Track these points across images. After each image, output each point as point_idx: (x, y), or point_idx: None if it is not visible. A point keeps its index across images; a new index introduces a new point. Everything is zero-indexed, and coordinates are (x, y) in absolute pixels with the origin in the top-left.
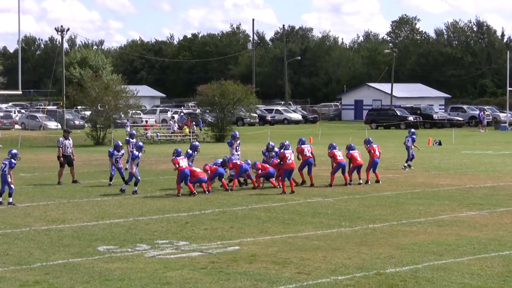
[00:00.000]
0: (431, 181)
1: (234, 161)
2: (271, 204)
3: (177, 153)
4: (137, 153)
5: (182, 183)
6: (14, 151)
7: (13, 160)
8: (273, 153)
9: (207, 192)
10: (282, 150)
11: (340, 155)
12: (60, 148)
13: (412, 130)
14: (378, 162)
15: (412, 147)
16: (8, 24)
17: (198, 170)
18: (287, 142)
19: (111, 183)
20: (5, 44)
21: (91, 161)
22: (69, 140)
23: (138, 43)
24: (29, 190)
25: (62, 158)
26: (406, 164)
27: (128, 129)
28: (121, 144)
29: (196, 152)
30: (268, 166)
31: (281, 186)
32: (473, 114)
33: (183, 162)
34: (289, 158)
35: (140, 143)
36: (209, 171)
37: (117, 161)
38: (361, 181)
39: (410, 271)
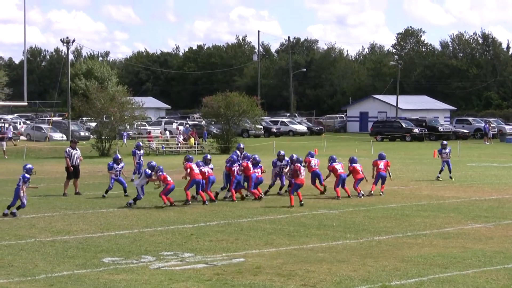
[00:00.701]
0: (436, 193)
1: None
2: (276, 216)
3: (188, 159)
4: (149, 171)
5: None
6: (29, 166)
7: (26, 175)
8: (284, 162)
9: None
10: (297, 164)
11: (340, 168)
12: (67, 159)
13: (444, 142)
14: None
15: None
16: (13, 35)
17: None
18: (295, 156)
19: (105, 195)
20: (11, 55)
21: (96, 173)
22: (77, 150)
23: (143, 54)
24: (34, 201)
25: (71, 168)
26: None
27: (125, 140)
28: (120, 157)
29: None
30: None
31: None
32: (479, 126)
33: (196, 168)
34: (300, 173)
35: (153, 163)
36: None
37: (117, 175)
38: (361, 194)
39: (416, 284)
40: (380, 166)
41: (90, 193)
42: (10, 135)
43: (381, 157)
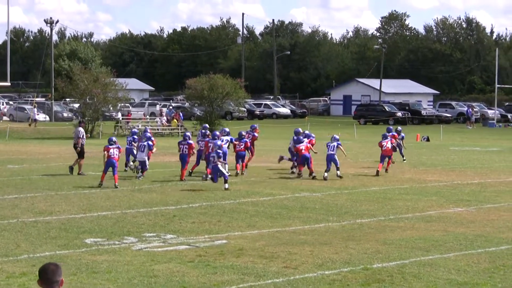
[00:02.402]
0: (418, 177)
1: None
2: (259, 198)
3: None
4: (151, 143)
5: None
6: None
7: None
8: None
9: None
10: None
11: (303, 148)
12: (81, 139)
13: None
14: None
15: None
16: None
17: None
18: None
19: (141, 175)
20: None
21: None
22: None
23: (127, 36)
24: (17, 181)
25: (78, 149)
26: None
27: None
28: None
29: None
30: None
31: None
32: (461, 110)
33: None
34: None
35: (148, 134)
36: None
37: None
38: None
39: (397, 267)
40: (384, 147)
41: (74, 174)
42: None
43: (384, 137)
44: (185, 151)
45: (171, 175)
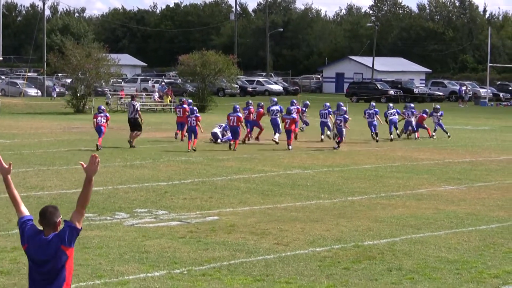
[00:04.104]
0: (410, 155)
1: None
2: (250, 175)
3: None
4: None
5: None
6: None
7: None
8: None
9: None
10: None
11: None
12: (139, 112)
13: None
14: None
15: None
16: None
17: None
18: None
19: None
20: None
21: (71, 129)
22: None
23: (120, 11)
24: (8, 156)
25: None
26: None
27: (110, 100)
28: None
29: None
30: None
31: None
32: (454, 89)
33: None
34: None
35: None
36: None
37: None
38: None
39: (388, 244)
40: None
41: (65, 149)
42: None
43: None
44: (193, 123)
45: (162, 151)
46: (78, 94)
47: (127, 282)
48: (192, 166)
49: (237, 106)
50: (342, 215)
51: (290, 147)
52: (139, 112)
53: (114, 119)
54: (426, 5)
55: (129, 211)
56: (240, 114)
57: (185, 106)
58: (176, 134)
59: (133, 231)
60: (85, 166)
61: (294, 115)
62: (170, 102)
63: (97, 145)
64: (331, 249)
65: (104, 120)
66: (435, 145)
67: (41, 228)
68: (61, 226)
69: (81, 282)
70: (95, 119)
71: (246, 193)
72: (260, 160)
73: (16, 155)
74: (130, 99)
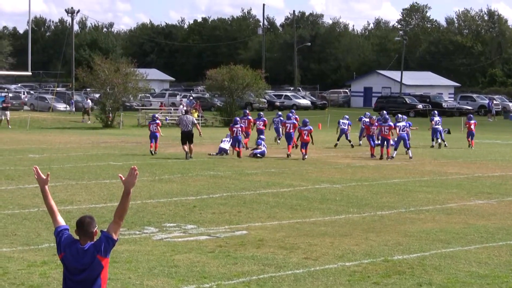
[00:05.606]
0: (439, 169)
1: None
2: (279, 189)
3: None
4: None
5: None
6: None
7: None
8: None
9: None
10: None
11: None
12: (179, 125)
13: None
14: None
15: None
16: (16, 4)
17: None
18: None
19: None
20: (15, 24)
21: (99, 144)
22: (189, 116)
23: (148, 26)
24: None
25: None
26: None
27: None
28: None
29: None
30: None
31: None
32: (483, 103)
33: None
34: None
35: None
36: None
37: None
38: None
39: (418, 259)
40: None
41: (94, 163)
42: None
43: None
44: (239, 134)
45: (191, 165)
46: (107, 109)
47: None
48: (220, 181)
49: (237, 118)
50: (371, 229)
51: (306, 156)
52: (197, 125)
53: (141, 134)
54: (455, 19)
55: (158, 225)
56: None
57: (250, 117)
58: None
59: (162, 245)
60: (123, 178)
61: (310, 126)
62: (198, 116)
63: (151, 151)
64: (360, 264)
65: (155, 127)
66: (464, 160)
67: (77, 237)
68: (98, 236)
69: None
70: (149, 126)
71: (274, 208)
72: (289, 174)
73: (45, 170)
74: (184, 113)
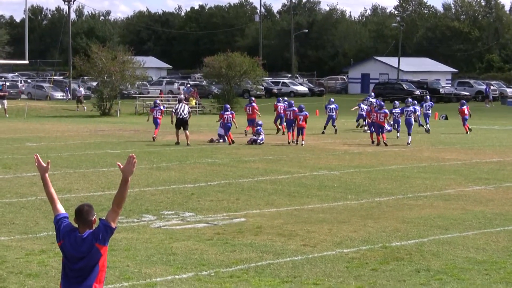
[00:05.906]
0: (437, 155)
1: None
2: (277, 176)
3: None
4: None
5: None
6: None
7: None
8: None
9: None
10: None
11: (280, 108)
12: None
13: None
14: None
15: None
16: None
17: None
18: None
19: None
20: (12, 13)
21: (97, 132)
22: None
23: (145, 14)
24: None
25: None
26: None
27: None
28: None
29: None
30: None
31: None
32: (480, 89)
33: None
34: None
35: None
36: None
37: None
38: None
39: (416, 245)
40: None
41: (91, 152)
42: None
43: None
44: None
45: (189, 153)
46: (104, 97)
47: (154, 284)
48: (218, 168)
49: (228, 105)
50: (369, 216)
51: (303, 142)
52: (191, 113)
53: (138, 122)
54: (452, 5)
55: (156, 213)
56: (233, 112)
57: (254, 104)
58: (246, 131)
59: (160, 233)
60: (122, 166)
61: (306, 111)
62: (196, 104)
63: (153, 137)
64: (358, 250)
65: (160, 114)
66: (462, 146)
67: (76, 225)
68: (96, 224)
69: (108, 285)
70: (151, 112)
71: (272, 195)
72: (286, 162)
73: (43, 158)
74: (177, 102)
